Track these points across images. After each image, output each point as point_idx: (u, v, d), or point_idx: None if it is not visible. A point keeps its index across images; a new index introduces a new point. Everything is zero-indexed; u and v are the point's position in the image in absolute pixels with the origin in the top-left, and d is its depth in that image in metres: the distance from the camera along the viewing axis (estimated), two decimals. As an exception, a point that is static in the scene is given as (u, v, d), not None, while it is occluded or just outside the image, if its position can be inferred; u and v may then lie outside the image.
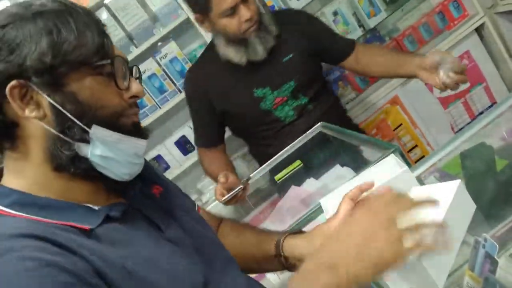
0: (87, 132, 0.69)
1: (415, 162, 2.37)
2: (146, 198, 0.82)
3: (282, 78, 1.71)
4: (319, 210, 1.14)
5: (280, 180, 1.56)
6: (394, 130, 2.36)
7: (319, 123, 1.69)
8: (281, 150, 1.59)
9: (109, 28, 0.77)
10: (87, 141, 0.69)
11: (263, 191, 1.63)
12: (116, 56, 0.73)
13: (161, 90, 2.29)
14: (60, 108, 0.68)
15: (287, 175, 1.55)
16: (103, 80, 0.71)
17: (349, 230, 0.70)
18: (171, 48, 2.25)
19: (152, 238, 0.75)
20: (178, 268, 0.73)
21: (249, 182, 1.48)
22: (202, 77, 1.76)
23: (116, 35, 2.17)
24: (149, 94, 2.27)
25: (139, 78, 0.81)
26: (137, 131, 0.76)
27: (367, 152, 1.44)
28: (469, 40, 2.35)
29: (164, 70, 2.26)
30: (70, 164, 0.69)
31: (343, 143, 1.61)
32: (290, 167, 1.56)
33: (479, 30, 2.37)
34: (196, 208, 1.00)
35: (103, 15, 2.16)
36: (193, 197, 2.41)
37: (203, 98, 1.76)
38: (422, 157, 2.39)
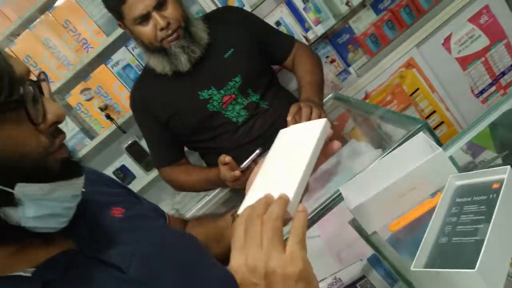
0: (11, 193, 0.53)
1: (434, 128, 2.25)
2: (99, 231, 0.67)
3: (226, 75, 1.59)
4: (339, 198, 1.04)
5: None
6: (410, 95, 2.22)
7: (332, 93, 1.56)
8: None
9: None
10: (13, 204, 0.54)
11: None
12: (25, 82, 0.55)
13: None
14: None
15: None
16: (13, 121, 0.53)
17: None
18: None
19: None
20: None
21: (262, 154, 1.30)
22: (144, 91, 1.65)
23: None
24: (127, 88, 2.07)
25: (50, 91, 0.60)
26: (69, 170, 0.59)
27: (386, 126, 1.30)
28: (488, -7, 2.17)
29: (138, 60, 2.07)
30: None
31: (358, 115, 1.49)
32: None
33: (499, -18, 2.18)
34: (167, 219, 0.90)
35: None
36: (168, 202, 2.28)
37: (149, 113, 1.65)
38: (442, 122, 2.26)
